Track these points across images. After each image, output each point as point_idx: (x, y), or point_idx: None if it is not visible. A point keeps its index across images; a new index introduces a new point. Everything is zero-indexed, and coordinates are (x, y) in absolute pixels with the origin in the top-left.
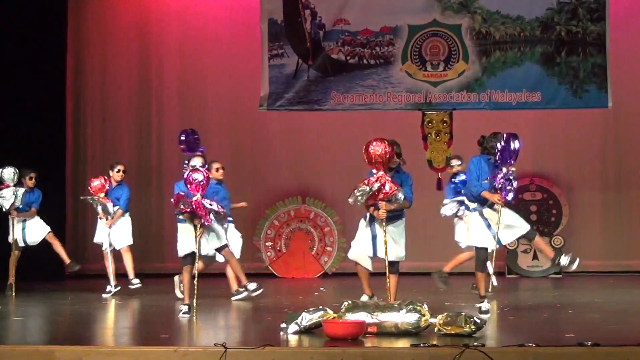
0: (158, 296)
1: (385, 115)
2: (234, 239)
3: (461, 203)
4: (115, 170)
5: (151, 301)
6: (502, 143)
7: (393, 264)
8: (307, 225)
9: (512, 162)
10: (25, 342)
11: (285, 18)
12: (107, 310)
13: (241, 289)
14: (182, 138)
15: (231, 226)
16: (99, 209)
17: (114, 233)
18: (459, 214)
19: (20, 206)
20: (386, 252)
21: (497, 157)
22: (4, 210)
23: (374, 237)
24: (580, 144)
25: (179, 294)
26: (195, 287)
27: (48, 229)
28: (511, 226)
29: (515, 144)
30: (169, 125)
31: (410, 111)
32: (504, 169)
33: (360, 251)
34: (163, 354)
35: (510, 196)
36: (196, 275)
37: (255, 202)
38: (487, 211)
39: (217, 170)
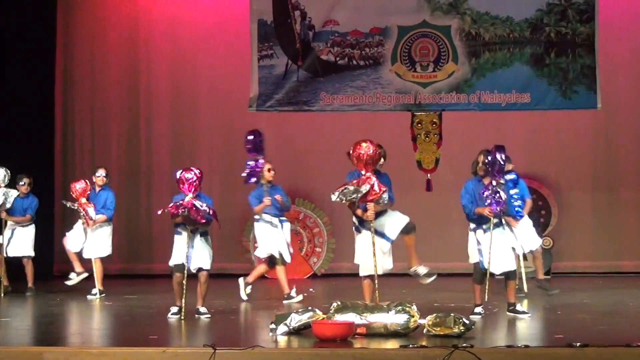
0: (146, 297)
1: (374, 116)
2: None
3: None
4: (97, 174)
5: (140, 302)
6: (489, 157)
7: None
8: (297, 226)
9: (498, 175)
10: (13, 343)
11: (274, 19)
12: (95, 311)
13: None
14: (250, 138)
15: (286, 226)
16: (82, 214)
17: (93, 241)
18: None
19: (9, 208)
20: (374, 252)
21: (487, 172)
22: None
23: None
24: (570, 144)
25: (244, 296)
26: (184, 290)
27: (31, 253)
28: (502, 257)
29: (499, 156)
30: (158, 128)
31: (400, 112)
32: (493, 182)
33: (370, 263)
34: (152, 355)
35: (497, 208)
36: (185, 277)
37: (244, 203)
38: (480, 233)
39: (269, 170)
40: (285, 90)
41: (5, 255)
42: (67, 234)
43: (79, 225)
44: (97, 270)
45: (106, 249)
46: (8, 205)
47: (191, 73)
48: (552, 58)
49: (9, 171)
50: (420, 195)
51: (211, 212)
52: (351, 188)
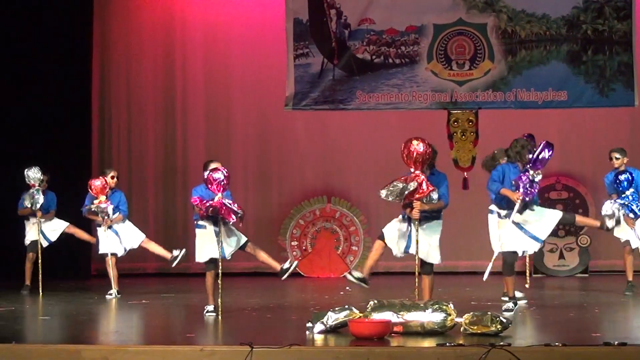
0: (183, 295)
1: (410, 115)
2: None
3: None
4: (109, 176)
5: (176, 300)
6: (538, 150)
7: (424, 265)
8: (333, 224)
9: (540, 167)
10: (52, 341)
11: (310, 18)
12: (132, 309)
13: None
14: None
15: None
16: (100, 216)
17: (125, 238)
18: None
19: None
20: (417, 251)
21: (528, 164)
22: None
23: (409, 234)
24: (607, 142)
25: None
26: (220, 287)
27: (66, 224)
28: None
29: (546, 154)
30: (194, 128)
31: (436, 110)
32: (531, 172)
33: (393, 234)
34: (188, 353)
35: (527, 198)
36: (220, 275)
37: (281, 202)
38: (495, 218)
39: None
40: (321, 89)
41: (47, 243)
42: (101, 244)
43: (101, 231)
44: (154, 246)
45: (140, 235)
46: (37, 206)
47: (226, 73)
48: (589, 55)
49: (42, 171)
50: (457, 193)
51: (237, 209)
52: (399, 185)
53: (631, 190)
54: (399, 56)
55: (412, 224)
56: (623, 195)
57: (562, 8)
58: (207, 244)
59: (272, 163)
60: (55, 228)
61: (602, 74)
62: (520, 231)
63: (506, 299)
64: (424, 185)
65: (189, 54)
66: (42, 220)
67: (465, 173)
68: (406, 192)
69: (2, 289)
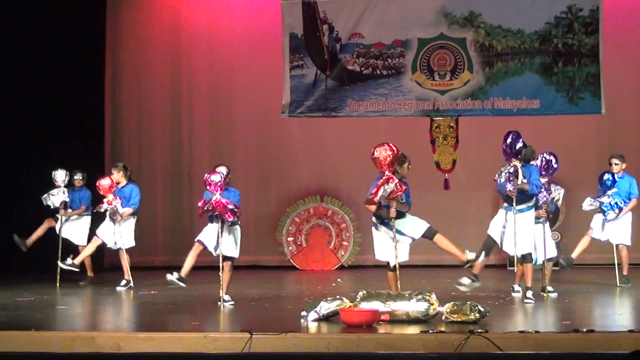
0: (188, 286)
1: (396, 121)
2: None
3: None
4: (114, 174)
5: (182, 291)
6: (508, 140)
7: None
8: (325, 222)
9: (511, 158)
10: (69, 328)
11: (304, 32)
12: (142, 299)
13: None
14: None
15: None
16: (110, 215)
17: (121, 234)
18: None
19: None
20: (396, 255)
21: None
22: (52, 207)
23: (392, 239)
24: (576, 147)
25: None
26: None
27: (84, 243)
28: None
29: (507, 140)
30: (198, 132)
31: (420, 117)
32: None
33: (386, 251)
34: (194, 340)
35: (509, 187)
36: (225, 267)
37: (278, 201)
38: (510, 215)
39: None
40: (314, 98)
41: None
42: (99, 232)
43: (107, 221)
44: (126, 261)
45: (131, 241)
46: (55, 205)
47: (228, 82)
48: (560, 67)
49: (69, 173)
50: (438, 193)
51: (237, 211)
52: (386, 187)
53: (613, 190)
54: (386, 68)
55: (389, 227)
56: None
57: (535, 24)
58: (209, 234)
59: (270, 165)
60: (76, 233)
61: (572, 84)
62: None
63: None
64: (398, 185)
65: (194, 64)
66: (67, 218)
67: (446, 174)
68: (387, 194)
69: (23, 281)
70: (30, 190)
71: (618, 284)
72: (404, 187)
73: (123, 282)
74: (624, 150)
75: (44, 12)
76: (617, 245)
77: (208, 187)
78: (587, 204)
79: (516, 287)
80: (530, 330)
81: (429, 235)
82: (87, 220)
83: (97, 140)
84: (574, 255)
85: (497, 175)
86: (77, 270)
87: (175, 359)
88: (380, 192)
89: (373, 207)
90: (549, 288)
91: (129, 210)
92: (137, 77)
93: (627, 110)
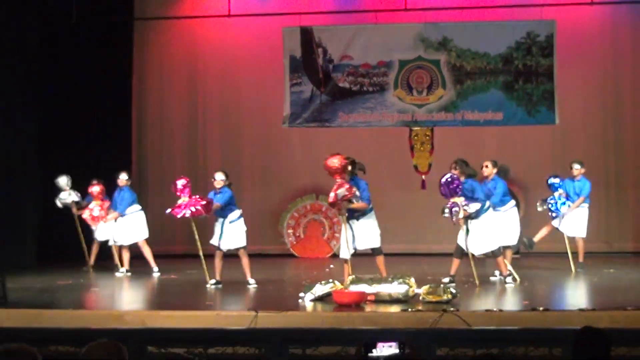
0: (202, 272)
1: (380, 131)
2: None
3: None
4: (120, 177)
5: (198, 276)
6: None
7: (374, 250)
8: (320, 216)
9: (449, 196)
10: (101, 307)
11: (302, 55)
12: (160, 283)
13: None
14: None
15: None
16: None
17: (129, 228)
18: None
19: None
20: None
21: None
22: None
23: (353, 234)
24: (534, 153)
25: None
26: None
27: (139, 238)
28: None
29: (443, 181)
30: (211, 139)
31: (400, 127)
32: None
33: (344, 248)
34: (208, 317)
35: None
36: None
37: (280, 198)
38: (474, 222)
39: None
40: (310, 111)
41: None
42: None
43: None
44: (147, 251)
45: (143, 234)
46: (60, 205)
47: (237, 97)
48: (520, 85)
49: (70, 177)
50: (416, 192)
51: (200, 209)
52: (339, 193)
53: (559, 192)
54: (372, 85)
55: (347, 224)
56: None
57: (499, 47)
58: (216, 232)
59: (272, 168)
60: (133, 232)
61: (530, 99)
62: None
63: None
64: (349, 189)
65: (208, 82)
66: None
67: (423, 176)
68: (340, 197)
69: (63, 267)
70: (78, 189)
71: (574, 270)
72: (354, 189)
73: (122, 269)
74: (575, 156)
75: (84, 43)
76: (574, 237)
77: (178, 194)
78: (539, 206)
79: (496, 273)
80: (495, 309)
81: (374, 252)
82: (138, 216)
83: (125, 148)
84: (535, 239)
85: (443, 213)
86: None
87: (192, 333)
88: (335, 195)
89: (338, 208)
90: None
91: (115, 214)
92: (160, 92)
93: (577, 121)
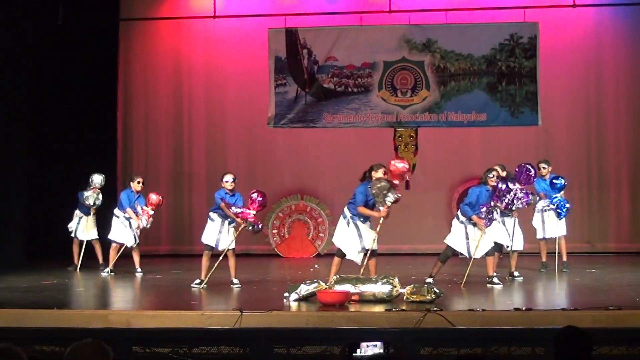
0: (188, 272)
1: (365, 131)
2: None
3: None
4: (136, 182)
5: (183, 276)
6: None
7: (372, 252)
8: (305, 216)
9: (503, 197)
10: (86, 307)
11: (287, 56)
12: (148, 283)
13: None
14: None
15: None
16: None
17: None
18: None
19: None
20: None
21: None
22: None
23: (359, 234)
24: (517, 153)
25: None
26: (212, 265)
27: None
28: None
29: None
30: (197, 141)
31: (385, 128)
32: (492, 202)
33: (353, 250)
34: (193, 317)
35: (489, 225)
36: (227, 256)
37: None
38: (470, 227)
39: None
40: (295, 111)
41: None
42: (115, 235)
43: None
44: (135, 253)
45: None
46: (98, 204)
47: (222, 97)
48: (503, 86)
49: (105, 177)
50: (401, 192)
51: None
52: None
53: (562, 193)
54: (357, 86)
55: (357, 223)
56: (554, 197)
57: (483, 49)
58: (210, 232)
59: (257, 168)
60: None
61: (513, 100)
62: (464, 238)
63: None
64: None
65: (193, 82)
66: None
67: (407, 177)
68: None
69: (49, 267)
70: (64, 188)
71: (557, 270)
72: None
73: (107, 269)
74: (557, 155)
75: (70, 44)
76: (557, 237)
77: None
78: (540, 205)
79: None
80: (478, 309)
81: (373, 254)
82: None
83: (110, 149)
84: (544, 258)
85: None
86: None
87: (177, 333)
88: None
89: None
90: (516, 273)
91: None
92: (145, 95)
93: (560, 122)
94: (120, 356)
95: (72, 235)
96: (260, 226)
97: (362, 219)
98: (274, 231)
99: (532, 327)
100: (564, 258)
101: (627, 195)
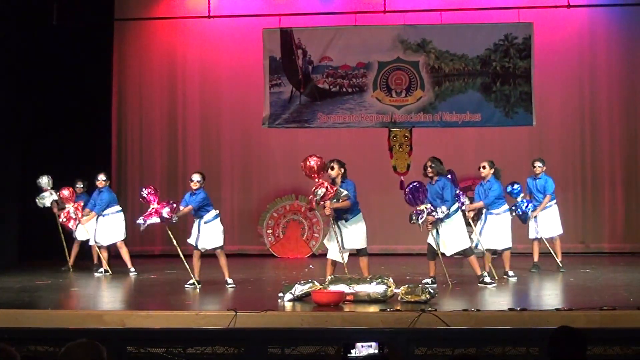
0: (182, 272)
1: (360, 132)
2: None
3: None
4: (98, 178)
5: (177, 276)
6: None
7: (360, 251)
8: (299, 216)
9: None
10: (80, 307)
11: (282, 56)
12: (143, 283)
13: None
14: None
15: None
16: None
17: (100, 231)
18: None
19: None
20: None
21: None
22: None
23: (341, 234)
24: (512, 153)
25: None
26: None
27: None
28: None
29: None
30: (191, 140)
31: (379, 128)
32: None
33: (333, 250)
34: (187, 317)
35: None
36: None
37: (259, 198)
38: (442, 225)
39: None
40: (290, 112)
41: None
42: (77, 232)
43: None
44: (124, 252)
45: (121, 235)
46: (46, 205)
47: (217, 97)
48: (498, 86)
49: (51, 178)
50: (395, 192)
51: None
52: (319, 192)
53: (521, 196)
54: (351, 86)
55: (334, 225)
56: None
57: (477, 49)
58: (192, 232)
59: (252, 168)
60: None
61: (508, 100)
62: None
63: (428, 280)
64: (329, 188)
65: (187, 81)
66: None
67: (401, 177)
68: (319, 197)
69: (42, 267)
70: (59, 188)
71: (561, 270)
72: (335, 188)
73: (101, 269)
74: (551, 155)
75: (64, 44)
76: (551, 237)
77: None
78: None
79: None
80: (472, 309)
81: (359, 253)
82: (115, 217)
83: (104, 149)
84: (535, 259)
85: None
86: (107, 272)
87: (172, 333)
88: (315, 197)
89: (322, 209)
90: (510, 273)
91: (92, 214)
92: (139, 93)
93: (554, 122)
94: (114, 356)
95: (73, 236)
96: (175, 219)
97: (344, 220)
98: (268, 231)
99: (527, 327)
100: (559, 257)
101: (621, 195)
